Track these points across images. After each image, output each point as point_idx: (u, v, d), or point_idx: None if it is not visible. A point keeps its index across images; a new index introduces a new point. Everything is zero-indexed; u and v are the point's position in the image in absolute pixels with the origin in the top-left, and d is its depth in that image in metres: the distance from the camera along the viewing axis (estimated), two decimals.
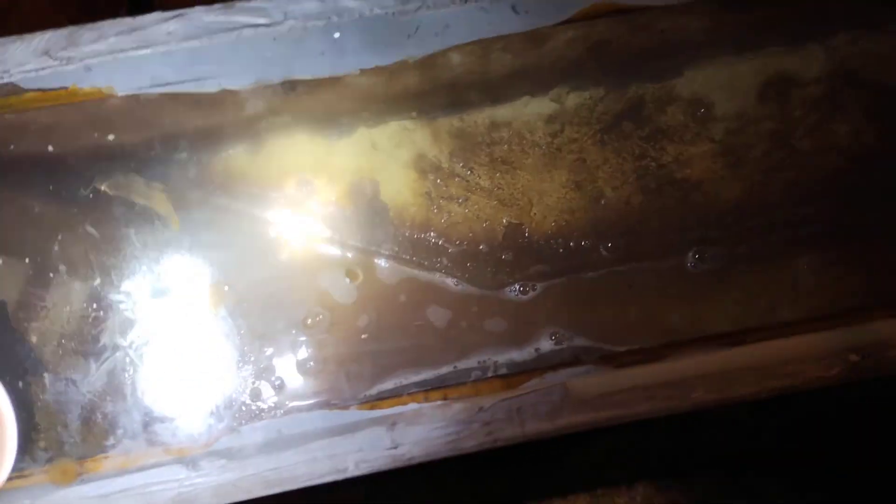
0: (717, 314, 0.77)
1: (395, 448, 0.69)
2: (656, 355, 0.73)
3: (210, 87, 0.70)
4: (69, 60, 0.67)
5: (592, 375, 0.71)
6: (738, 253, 0.78)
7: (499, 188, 0.78)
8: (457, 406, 0.69)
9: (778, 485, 0.87)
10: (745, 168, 0.79)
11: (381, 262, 0.77)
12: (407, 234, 0.78)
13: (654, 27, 0.76)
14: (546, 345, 0.77)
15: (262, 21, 0.69)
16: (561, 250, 0.78)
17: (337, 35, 0.71)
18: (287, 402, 0.73)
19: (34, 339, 0.71)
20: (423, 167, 0.78)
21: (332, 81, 0.73)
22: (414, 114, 0.78)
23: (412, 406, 0.70)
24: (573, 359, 0.74)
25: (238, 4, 0.68)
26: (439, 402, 0.70)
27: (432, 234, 0.78)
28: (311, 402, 0.73)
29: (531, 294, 0.77)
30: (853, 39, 0.80)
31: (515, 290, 0.77)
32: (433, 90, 0.77)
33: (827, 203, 0.78)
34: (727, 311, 0.77)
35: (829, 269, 0.78)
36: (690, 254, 0.79)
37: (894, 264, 0.78)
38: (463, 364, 0.76)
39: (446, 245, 0.78)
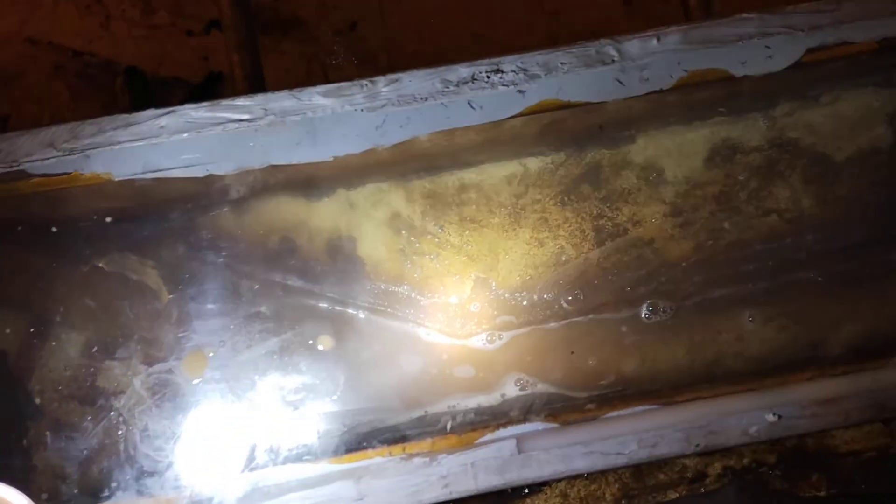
0: (666, 363, 0.83)
1: (361, 499, 0.75)
2: (597, 412, 0.79)
3: (198, 172, 0.77)
4: (72, 151, 0.74)
5: (539, 433, 0.77)
6: (687, 306, 0.84)
7: (468, 245, 0.84)
8: (417, 460, 0.76)
9: None
10: (693, 227, 0.84)
11: (358, 314, 0.82)
12: (382, 287, 0.83)
13: (601, 109, 0.82)
14: (511, 390, 0.82)
15: (244, 116, 0.76)
16: (525, 302, 0.83)
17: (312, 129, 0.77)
18: (263, 457, 0.78)
19: (36, 396, 0.78)
20: (398, 225, 0.84)
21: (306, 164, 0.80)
22: (387, 181, 0.83)
23: (377, 460, 0.76)
24: (523, 416, 0.80)
25: (224, 102, 0.75)
26: (401, 457, 0.76)
27: (405, 287, 0.83)
28: (286, 456, 0.78)
29: (497, 343, 0.83)
30: (791, 111, 0.85)
31: (483, 339, 0.83)
32: (405, 160, 0.83)
33: (767, 261, 0.84)
34: (678, 360, 0.83)
35: (770, 323, 0.83)
36: (644, 306, 0.84)
37: (827, 320, 0.83)
38: (433, 409, 0.81)
39: (419, 297, 0.84)
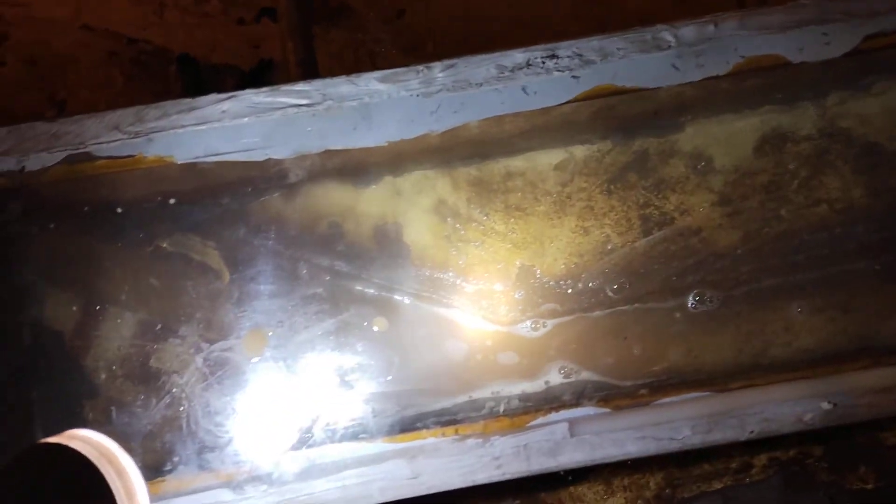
0: (713, 353, 0.82)
1: (416, 478, 0.76)
2: (650, 397, 0.79)
3: (257, 156, 0.79)
4: (136, 134, 0.76)
5: (591, 417, 0.78)
6: (734, 296, 0.83)
7: (513, 232, 0.84)
8: (470, 441, 0.77)
9: None
10: (742, 217, 0.84)
11: (404, 300, 0.83)
12: (427, 274, 0.84)
13: (653, 97, 0.82)
14: (555, 378, 0.83)
15: (303, 101, 0.77)
16: (570, 290, 0.84)
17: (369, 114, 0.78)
18: (320, 435, 0.80)
19: (101, 372, 0.80)
20: (443, 212, 0.84)
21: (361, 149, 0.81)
22: (433, 168, 0.84)
23: (431, 440, 0.77)
24: (575, 400, 0.80)
25: (283, 87, 0.77)
26: (454, 438, 0.77)
27: (451, 273, 0.84)
28: (342, 434, 0.80)
29: (542, 330, 0.83)
30: (843, 100, 0.84)
31: (527, 327, 0.83)
32: (452, 146, 0.83)
33: (816, 251, 0.83)
34: (723, 350, 0.83)
35: (818, 314, 0.83)
36: (690, 296, 0.84)
37: (877, 311, 0.83)
38: (478, 394, 0.82)
39: (463, 284, 0.84)
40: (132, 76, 1.02)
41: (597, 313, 0.83)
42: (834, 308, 0.83)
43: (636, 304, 0.84)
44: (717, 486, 0.91)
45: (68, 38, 1.02)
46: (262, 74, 1.00)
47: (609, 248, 0.84)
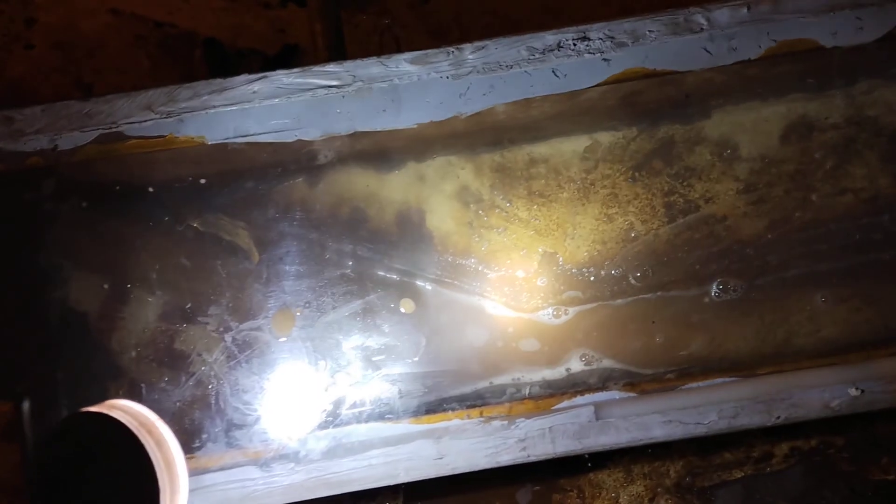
0: (736, 342, 0.83)
1: (441, 458, 0.77)
2: (676, 382, 0.79)
3: (286, 137, 0.79)
4: (168, 114, 0.77)
5: (617, 401, 0.78)
6: (758, 285, 0.83)
7: (535, 219, 0.85)
8: (495, 423, 0.77)
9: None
10: (767, 206, 0.84)
11: (426, 286, 0.84)
12: (449, 260, 0.85)
13: (681, 81, 0.82)
14: (576, 365, 0.83)
15: (333, 83, 0.78)
16: (592, 278, 0.84)
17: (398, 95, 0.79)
18: (347, 415, 0.81)
19: (130, 350, 0.82)
20: (466, 199, 0.85)
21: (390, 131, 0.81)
22: (457, 154, 0.84)
23: (456, 422, 0.77)
24: (600, 384, 0.80)
25: (314, 68, 0.77)
26: (480, 419, 0.77)
27: (473, 260, 0.85)
28: (368, 414, 0.81)
29: (563, 318, 0.84)
30: (871, 88, 0.84)
31: (549, 314, 0.84)
32: (477, 132, 0.84)
33: (842, 241, 0.83)
34: (746, 339, 0.83)
35: (843, 304, 0.83)
36: (714, 284, 0.84)
37: None
38: (498, 380, 0.82)
39: (486, 270, 0.85)
40: (158, 60, 1.03)
41: (619, 301, 0.84)
42: (859, 298, 0.83)
43: (659, 293, 0.84)
44: (738, 475, 0.91)
45: (96, 21, 1.02)
46: (286, 59, 1.00)
47: (633, 235, 0.84)
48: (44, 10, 1.03)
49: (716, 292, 0.84)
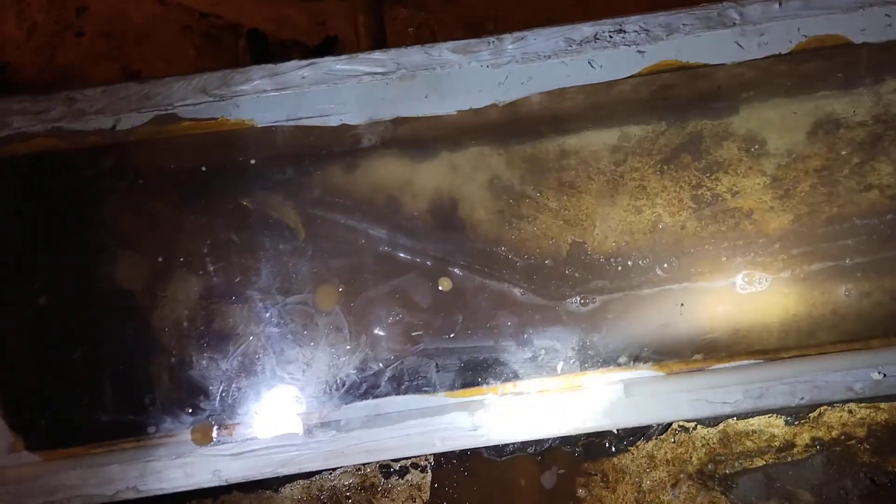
0: (761, 333, 0.84)
1: (475, 430, 0.79)
2: (703, 364, 0.81)
3: (333, 122, 0.82)
4: (221, 97, 0.80)
5: (646, 379, 0.80)
6: (783, 278, 0.85)
7: (565, 209, 0.86)
8: (527, 398, 0.79)
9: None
10: (793, 200, 0.85)
11: (457, 272, 0.86)
12: (480, 248, 0.87)
13: (712, 76, 0.84)
14: (604, 347, 0.85)
15: (378, 70, 0.81)
16: (620, 268, 0.86)
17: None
18: (386, 386, 0.83)
19: (183, 321, 0.84)
20: (497, 188, 0.87)
21: (430, 117, 0.84)
22: (489, 144, 0.86)
23: (490, 396, 0.80)
24: (630, 363, 0.82)
25: (360, 56, 0.80)
26: (513, 393, 0.80)
27: (503, 248, 0.87)
28: (406, 386, 0.83)
29: (591, 306, 0.86)
30: None
31: (576, 302, 0.86)
32: (510, 123, 0.86)
33: (867, 236, 0.85)
34: (771, 331, 0.84)
35: (866, 298, 0.84)
36: (740, 276, 0.85)
37: None
38: (530, 357, 0.84)
39: (515, 259, 0.87)
40: (203, 49, 1.07)
41: (645, 291, 0.85)
42: (882, 292, 0.84)
43: (685, 284, 0.85)
44: (759, 463, 0.92)
45: (144, 11, 1.06)
46: (327, 50, 1.03)
47: (660, 227, 0.86)
48: None
49: (741, 284, 0.85)
